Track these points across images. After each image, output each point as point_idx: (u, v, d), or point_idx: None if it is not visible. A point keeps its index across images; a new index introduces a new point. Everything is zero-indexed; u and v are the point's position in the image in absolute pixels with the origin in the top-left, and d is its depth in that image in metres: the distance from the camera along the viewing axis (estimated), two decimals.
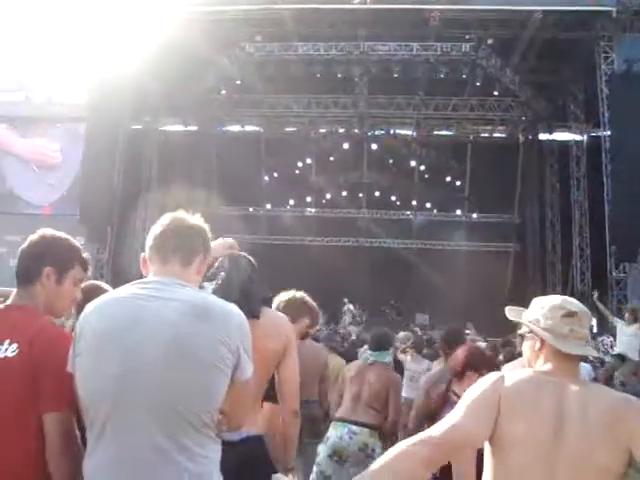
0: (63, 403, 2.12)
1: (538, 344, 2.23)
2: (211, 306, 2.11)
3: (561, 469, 1.99)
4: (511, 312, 2.39)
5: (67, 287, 2.43)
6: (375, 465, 2.03)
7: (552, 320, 2.19)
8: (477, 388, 2.15)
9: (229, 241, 3.15)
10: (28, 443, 2.12)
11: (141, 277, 2.25)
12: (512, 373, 2.18)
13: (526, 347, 2.33)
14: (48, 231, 2.44)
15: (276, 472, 2.85)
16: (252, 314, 2.85)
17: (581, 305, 2.24)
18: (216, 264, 2.84)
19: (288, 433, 3.10)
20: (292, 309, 4.03)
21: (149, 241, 2.26)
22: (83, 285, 3.22)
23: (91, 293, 2.91)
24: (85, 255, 2.50)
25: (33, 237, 2.41)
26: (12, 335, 2.19)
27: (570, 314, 2.19)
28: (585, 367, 4.43)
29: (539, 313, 2.23)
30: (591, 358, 9.60)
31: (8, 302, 2.39)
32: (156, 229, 2.25)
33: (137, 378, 1.97)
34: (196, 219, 2.31)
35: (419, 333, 12.41)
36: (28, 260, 2.38)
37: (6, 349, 2.17)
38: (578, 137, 21.73)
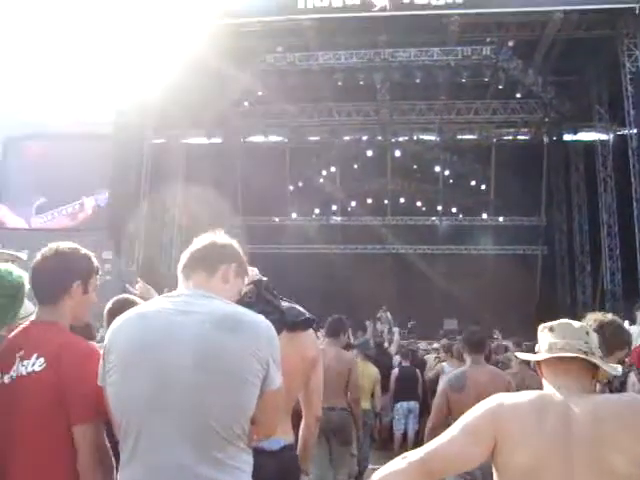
0: (92, 415, 2.15)
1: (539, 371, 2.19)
2: (240, 317, 2.12)
3: None
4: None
5: (91, 295, 2.48)
6: None
7: (540, 343, 2.17)
8: (475, 411, 2.05)
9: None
10: (59, 454, 2.15)
11: (172, 290, 2.28)
12: (513, 396, 2.07)
13: None
14: (61, 245, 2.44)
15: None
16: (289, 326, 2.92)
17: (571, 322, 2.15)
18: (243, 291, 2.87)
19: (309, 439, 3.12)
20: None
21: (181, 260, 2.31)
22: (115, 299, 3.29)
23: (125, 306, 2.97)
24: (95, 260, 2.53)
25: (47, 253, 2.41)
26: (39, 350, 2.23)
27: (550, 329, 2.14)
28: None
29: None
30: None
31: (32, 318, 2.43)
32: (184, 254, 2.30)
33: (168, 392, 1.99)
34: (222, 236, 2.34)
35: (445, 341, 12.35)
36: (53, 277, 2.38)
37: (33, 363, 2.20)
38: (604, 136, 21.48)
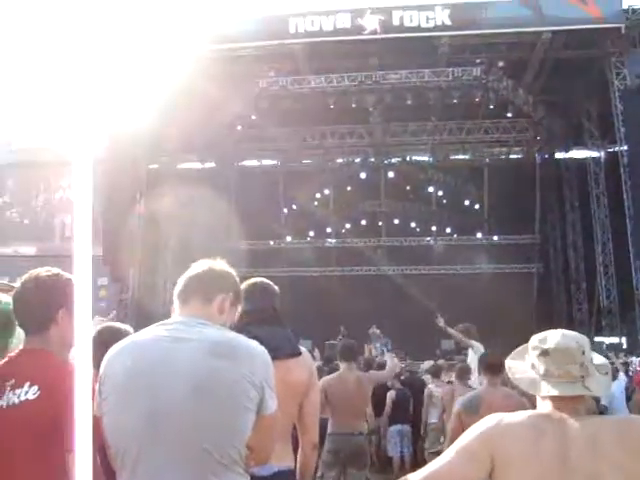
0: None
1: None
2: (234, 344, 2.13)
3: None
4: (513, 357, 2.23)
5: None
6: None
7: (533, 361, 2.09)
8: (470, 433, 2.04)
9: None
10: None
11: (167, 316, 2.28)
12: (508, 417, 2.03)
13: None
14: (42, 272, 2.38)
15: None
16: (295, 352, 2.93)
17: (566, 339, 2.05)
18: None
19: (307, 465, 3.14)
20: None
21: (175, 290, 2.29)
22: (100, 327, 3.26)
23: (108, 335, 2.95)
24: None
25: (27, 282, 2.36)
26: (31, 378, 2.20)
27: (543, 353, 2.05)
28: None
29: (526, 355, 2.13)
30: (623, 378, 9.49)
31: (21, 346, 2.39)
32: (181, 278, 2.29)
33: (164, 419, 1.99)
34: (221, 264, 2.35)
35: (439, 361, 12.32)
36: (36, 307, 2.33)
37: (26, 392, 2.18)
38: (595, 154, 21.68)
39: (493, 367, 4.83)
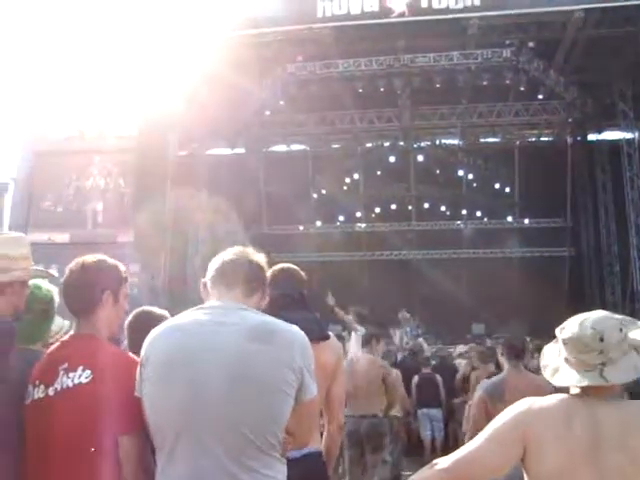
0: (137, 426, 2.17)
1: None
2: (274, 329, 2.15)
3: None
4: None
5: (122, 304, 2.52)
6: None
7: (559, 350, 2.09)
8: (501, 418, 2.04)
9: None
10: (106, 465, 2.18)
11: (197, 303, 2.29)
12: (540, 401, 2.03)
13: None
14: (87, 258, 2.47)
15: None
16: (323, 335, 2.95)
17: (582, 327, 2.00)
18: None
19: (333, 446, 3.18)
20: None
21: (212, 268, 2.30)
22: (135, 312, 3.32)
23: (145, 320, 3.01)
24: (123, 268, 2.56)
25: (74, 267, 2.44)
26: (85, 362, 2.26)
27: (564, 341, 2.05)
28: None
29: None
30: None
31: (71, 332, 2.49)
32: (220, 258, 2.31)
33: (203, 403, 2.02)
34: (259, 256, 2.36)
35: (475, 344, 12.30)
36: (83, 291, 2.41)
37: (80, 375, 2.24)
38: (629, 135, 21.26)
39: (514, 351, 4.83)
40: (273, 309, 2.59)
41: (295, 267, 3.28)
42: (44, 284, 2.68)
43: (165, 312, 3.27)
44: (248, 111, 21.27)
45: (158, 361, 2.11)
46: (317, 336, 2.85)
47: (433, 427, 9.90)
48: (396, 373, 8.21)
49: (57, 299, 2.73)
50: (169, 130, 18.21)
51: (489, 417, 4.35)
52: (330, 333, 3.16)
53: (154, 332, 2.19)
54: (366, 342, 6.51)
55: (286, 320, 2.22)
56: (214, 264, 2.30)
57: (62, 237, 19.17)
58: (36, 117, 20.04)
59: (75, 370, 2.25)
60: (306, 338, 2.18)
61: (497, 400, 4.45)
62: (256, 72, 18.68)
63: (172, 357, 2.09)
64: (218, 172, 22.73)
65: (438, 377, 9.98)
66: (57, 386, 2.25)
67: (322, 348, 2.88)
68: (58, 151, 19.61)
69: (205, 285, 2.31)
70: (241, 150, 24.70)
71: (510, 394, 4.38)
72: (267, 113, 22.68)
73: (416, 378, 9.87)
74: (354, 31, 17.97)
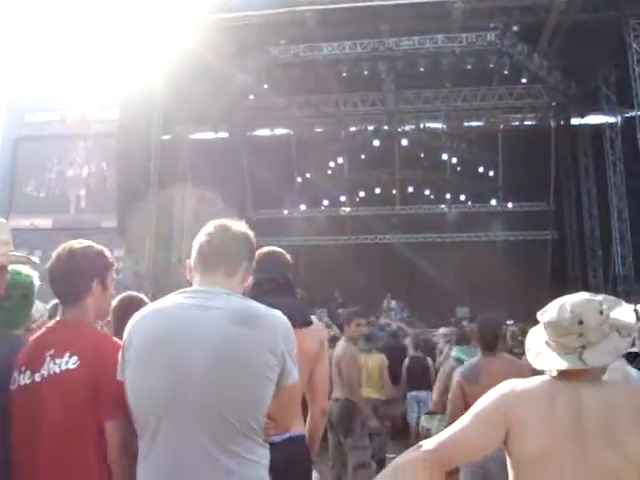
0: (122, 411, 2.17)
1: None
2: (257, 313, 2.14)
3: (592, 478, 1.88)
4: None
5: (110, 290, 2.51)
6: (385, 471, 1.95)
7: (541, 334, 2.10)
8: (485, 400, 2.04)
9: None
10: (91, 450, 2.19)
11: (182, 287, 2.28)
12: (522, 383, 2.04)
13: None
14: (74, 243, 2.45)
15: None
16: (306, 321, 2.96)
17: (560, 310, 2.02)
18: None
19: (316, 431, 3.18)
20: None
21: (195, 249, 2.27)
22: (120, 297, 3.32)
23: (129, 305, 3.01)
24: (109, 255, 2.54)
25: (62, 254, 2.41)
26: (71, 348, 2.26)
27: (545, 325, 2.06)
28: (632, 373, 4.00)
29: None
30: None
31: (58, 318, 2.47)
32: (201, 238, 2.26)
33: (185, 387, 2.01)
34: (241, 225, 2.32)
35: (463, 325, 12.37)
36: (72, 278, 2.39)
37: (67, 362, 2.23)
38: (611, 119, 21.34)
39: (485, 334, 4.81)
40: (257, 294, 2.59)
41: (281, 250, 3.27)
42: (24, 269, 2.65)
43: (145, 297, 3.30)
44: (232, 95, 21.13)
45: (140, 344, 2.09)
46: (300, 322, 2.85)
47: (420, 410, 9.95)
48: (382, 358, 8.25)
49: (37, 283, 2.71)
50: (152, 112, 18.06)
51: (466, 400, 4.42)
52: (314, 318, 3.17)
53: (136, 316, 2.18)
54: (341, 326, 6.57)
55: (269, 305, 2.21)
56: (196, 245, 2.27)
57: (45, 222, 19.07)
58: (17, 102, 19.84)
59: (62, 356, 2.24)
60: (288, 323, 2.17)
61: (473, 383, 4.48)
62: (239, 56, 18.54)
63: (154, 340, 2.08)
64: (202, 156, 22.60)
65: (429, 360, 10.04)
66: (44, 372, 2.25)
67: (304, 334, 2.87)
68: (39, 136, 19.46)
69: (189, 267, 2.30)
70: (225, 134, 24.58)
71: (485, 377, 4.42)
72: (251, 97, 22.56)
73: (407, 361, 9.91)
74: (337, 14, 17.86)
